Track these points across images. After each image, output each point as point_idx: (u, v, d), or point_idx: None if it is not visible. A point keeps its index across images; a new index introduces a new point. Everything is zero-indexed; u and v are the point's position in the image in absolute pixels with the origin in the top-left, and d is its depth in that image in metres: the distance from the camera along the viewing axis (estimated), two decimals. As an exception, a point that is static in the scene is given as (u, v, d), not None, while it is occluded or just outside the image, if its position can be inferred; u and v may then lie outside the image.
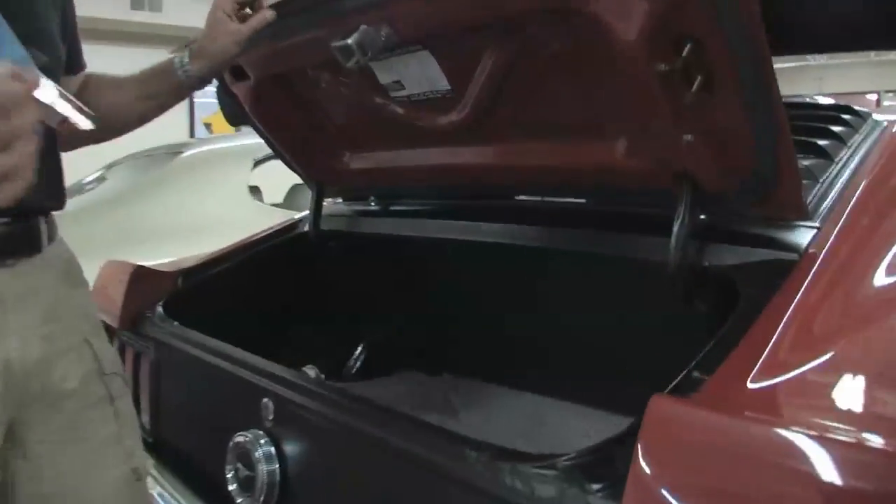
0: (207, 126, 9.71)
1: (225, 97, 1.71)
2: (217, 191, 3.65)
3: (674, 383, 0.83)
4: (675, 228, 1.08)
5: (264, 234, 2.01)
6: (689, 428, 0.74)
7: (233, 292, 1.87)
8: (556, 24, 1.05)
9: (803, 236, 1.11)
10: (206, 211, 3.54)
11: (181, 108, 8.90)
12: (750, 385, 0.80)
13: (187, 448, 1.56)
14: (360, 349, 2.20)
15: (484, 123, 1.33)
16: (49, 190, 1.12)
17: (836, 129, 1.32)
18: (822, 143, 1.24)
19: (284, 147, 1.80)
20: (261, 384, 1.26)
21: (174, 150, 3.88)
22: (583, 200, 1.48)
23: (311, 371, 1.42)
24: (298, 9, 1.31)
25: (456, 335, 2.04)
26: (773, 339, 0.86)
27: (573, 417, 1.73)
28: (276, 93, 1.59)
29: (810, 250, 1.08)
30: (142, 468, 1.21)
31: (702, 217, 1.19)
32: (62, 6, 1.19)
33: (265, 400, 1.22)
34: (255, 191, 3.86)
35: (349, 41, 1.19)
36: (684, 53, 0.94)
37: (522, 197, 1.63)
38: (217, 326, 1.73)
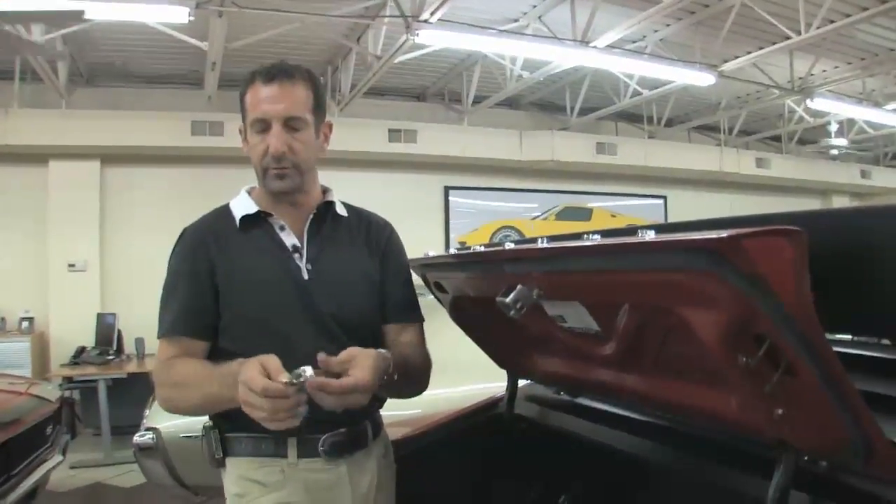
0: (462, 244, 10.31)
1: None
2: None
3: None
4: (770, 492, 1.21)
5: (467, 410, 2.32)
6: None
7: (439, 461, 2.18)
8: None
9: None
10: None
11: (438, 226, 9.73)
12: None
13: None
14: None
15: (629, 359, 1.54)
16: (373, 400, 1.55)
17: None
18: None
19: (479, 342, 2.11)
20: None
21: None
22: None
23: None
24: (472, 263, 1.63)
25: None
26: None
27: None
28: (468, 305, 1.92)
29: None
30: None
31: (823, 464, 1.29)
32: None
33: None
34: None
35: (507, 300, 1.47)
36: (762, 350, 1.10)
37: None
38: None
